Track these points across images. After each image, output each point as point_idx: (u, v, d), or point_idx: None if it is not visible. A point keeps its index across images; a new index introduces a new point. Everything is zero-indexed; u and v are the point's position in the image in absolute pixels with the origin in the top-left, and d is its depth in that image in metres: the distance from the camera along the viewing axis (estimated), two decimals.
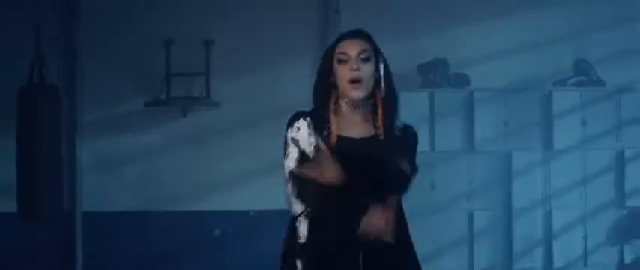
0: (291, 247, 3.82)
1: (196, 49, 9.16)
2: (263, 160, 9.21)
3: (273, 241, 9.10)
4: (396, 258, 3.80)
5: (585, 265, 9.58)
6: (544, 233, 9.56)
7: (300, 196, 3.79)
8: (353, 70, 3.78)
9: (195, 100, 9.30)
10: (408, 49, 9.09)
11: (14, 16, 9.08)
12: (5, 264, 8.96)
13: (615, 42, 9.70)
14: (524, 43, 9.61)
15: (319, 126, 3.83)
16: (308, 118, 3.85)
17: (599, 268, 9.59)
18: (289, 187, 3.81)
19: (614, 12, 9.74)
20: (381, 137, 3.82)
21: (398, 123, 3.88)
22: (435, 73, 9.48)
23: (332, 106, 3.85)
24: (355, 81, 3.79)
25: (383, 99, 3.84)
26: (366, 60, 3.81)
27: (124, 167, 9.43)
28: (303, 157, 3.81)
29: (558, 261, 9.52)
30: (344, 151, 3.77)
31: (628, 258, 9.62)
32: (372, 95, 3.85)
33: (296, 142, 3.84)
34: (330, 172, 3.70)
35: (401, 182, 3.84)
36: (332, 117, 3.84)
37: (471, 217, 9.51)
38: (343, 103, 3.85)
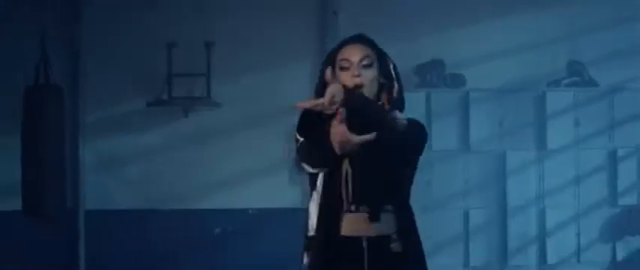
0: (304, 240, 3.82)
1: (197, 51, 9.16)
2: (263, 159, 9.31)
3: (273, 239, 9.33)
4: (400, 259, 3.90)
5: (578, 261, 9.64)
6: (538, 231, 9.62)
7: (307, 158, 3.69)
8: (355, 77, 3.72)
9: (197, 101, 9.29)
10: (406, 50, 9.07)
11: (17, 17, 9.10)
12: (10, 260, 8.99)
13: (608, 43, 9.77)
14: (518, 44, 9.67)
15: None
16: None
17: (592, 265, 9.65)
18: (299, 150, 3.73)
19: (607, 14, 9.81)
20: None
21: (404, 119, 3.80)
22: (432, 74, 9.54)
23: None
24: (357, 87, 3.71)
25: (395, 98, 3.80)
26: (368, 66, 3.75)
27: (126, 166, 9.45)
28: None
29: (552, 258, 9.59)
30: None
31: (620, 255, 9.70)
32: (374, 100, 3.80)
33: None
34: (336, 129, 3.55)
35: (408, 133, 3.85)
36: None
37: (466, 215, 9.57)
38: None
